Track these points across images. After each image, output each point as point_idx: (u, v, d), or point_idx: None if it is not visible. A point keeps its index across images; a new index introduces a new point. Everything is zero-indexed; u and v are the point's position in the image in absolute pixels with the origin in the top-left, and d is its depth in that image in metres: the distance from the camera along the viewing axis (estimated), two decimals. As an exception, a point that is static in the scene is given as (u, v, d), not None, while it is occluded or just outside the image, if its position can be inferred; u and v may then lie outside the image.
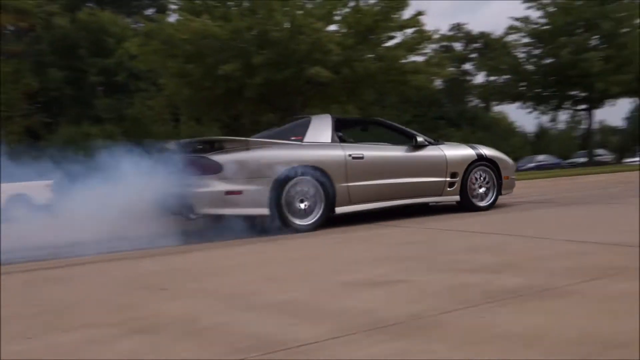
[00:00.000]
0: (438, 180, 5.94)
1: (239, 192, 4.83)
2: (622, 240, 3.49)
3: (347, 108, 23.42)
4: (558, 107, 33.02)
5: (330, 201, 5.23)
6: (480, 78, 38.56)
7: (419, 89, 20.64)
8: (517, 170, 12.66)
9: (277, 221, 4.93)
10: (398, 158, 5.91)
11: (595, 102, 29.70)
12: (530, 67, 30.31)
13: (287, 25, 17.81)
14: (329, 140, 5.51)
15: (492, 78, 32.81)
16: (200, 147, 5.24)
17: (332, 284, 2.74)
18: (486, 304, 2.14)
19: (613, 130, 56.10)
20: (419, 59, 19.64)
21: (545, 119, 42.45)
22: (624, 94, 29.07)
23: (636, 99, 30.36)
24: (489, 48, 37.02)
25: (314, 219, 5.15)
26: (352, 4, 18.41)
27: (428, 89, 21.62)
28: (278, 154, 5.10)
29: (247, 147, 5.08)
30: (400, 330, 1.89)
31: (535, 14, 29.25)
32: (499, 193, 6.33)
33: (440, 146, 6.15)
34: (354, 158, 5.44)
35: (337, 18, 18.90)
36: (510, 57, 30.15)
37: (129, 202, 4.71)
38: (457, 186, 6.03)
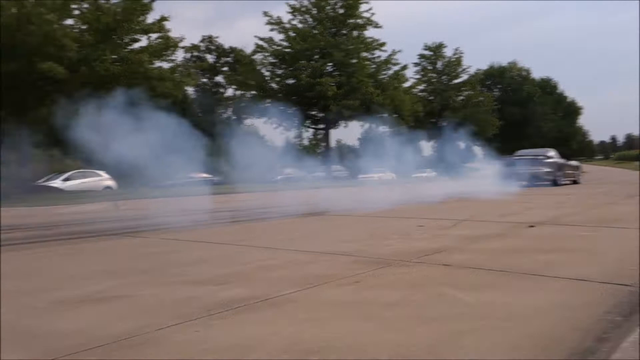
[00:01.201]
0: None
1: (549, 172, 15.62)
2: (340, 249, 3.90)
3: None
4: (300, 125, 36.05)
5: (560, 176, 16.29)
6: (231, 91, 39.60)
7: (166, 97, 20.11)
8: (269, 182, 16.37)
9: (554, 181, 15.53)
10: (571, 163, 18.18)
11: (331, 122, 33.20)
12: (274, 86, 32.36)
13: (14, 10, 15.56)
14: (559, 157, 17.10)
15: (240, 92, 33.99)
16: (534, 155, 16.57)
17: (45, 303, 2.42)
18: (205, 317, 2.13)
19: (349, 149, 63.67)
20: (166, 65, 19.17)
21: (291, 134, 45.68)
22: (354, 117, 33.05)
23: (363, 123, 34.80)
24: (239, 63, 38.37)
25: (563, 183, 16.03)
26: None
27: (176, 97, 21.17)
28: (554, 161, 16.25)
29: (548, 157, 16.21)
30: (113, 349, 1.77)
31: (278, 37, 31.47)
32: None
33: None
34: (564, 162, 17.21)
35: (76, 12, 17.25)
36: (257, 74, 31.74)
37: (514, 176, 14.30)
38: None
